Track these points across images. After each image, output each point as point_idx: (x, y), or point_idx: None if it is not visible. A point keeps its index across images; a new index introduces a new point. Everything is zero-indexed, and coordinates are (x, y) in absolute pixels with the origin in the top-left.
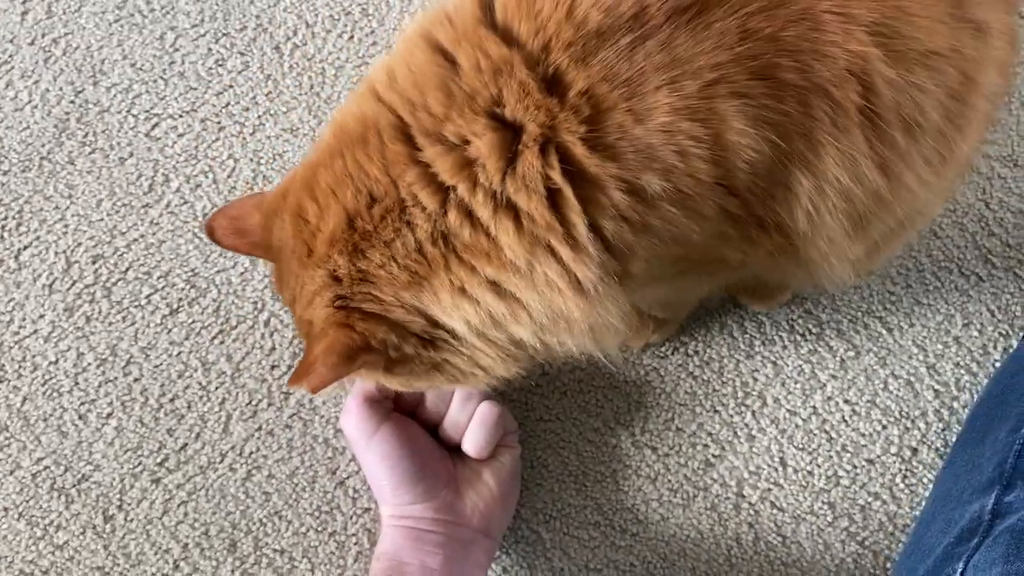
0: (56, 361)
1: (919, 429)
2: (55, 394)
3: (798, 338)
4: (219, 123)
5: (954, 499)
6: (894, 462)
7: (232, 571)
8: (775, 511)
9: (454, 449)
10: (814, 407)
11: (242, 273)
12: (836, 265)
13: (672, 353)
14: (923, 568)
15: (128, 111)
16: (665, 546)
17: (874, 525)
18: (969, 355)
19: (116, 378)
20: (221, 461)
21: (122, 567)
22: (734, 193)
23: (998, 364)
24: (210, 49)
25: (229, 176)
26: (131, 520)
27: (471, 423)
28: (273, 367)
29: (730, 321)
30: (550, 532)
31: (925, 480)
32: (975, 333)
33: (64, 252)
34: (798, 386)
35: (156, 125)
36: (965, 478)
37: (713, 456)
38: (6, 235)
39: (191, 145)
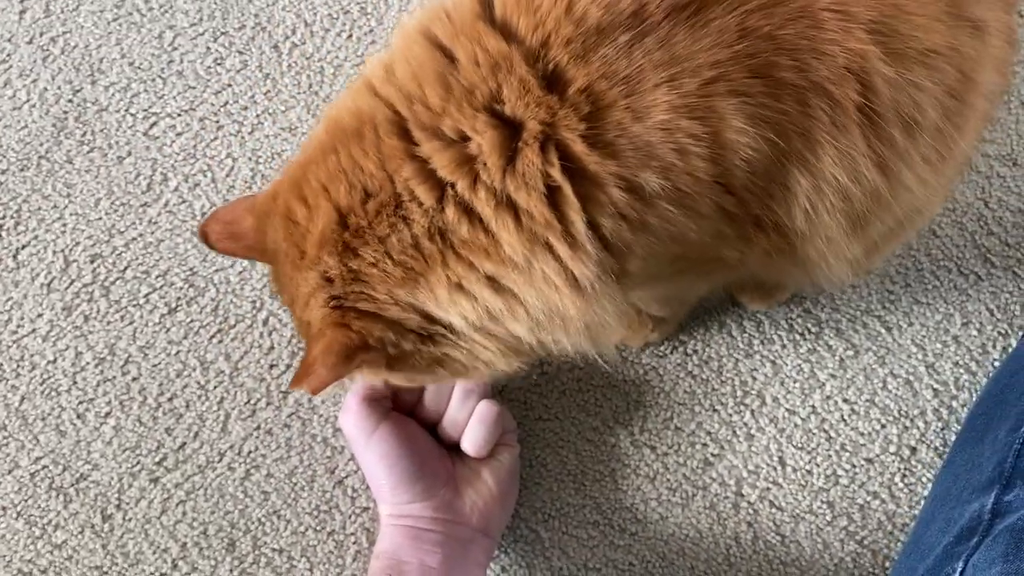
0: (54, 360)
1: (918, 428)
2: (53, 393)
3: (797, 337)
4: (217, 122)
5: (953, 498)
6: (893, 461)
7: (231, 570)
8: (774, 510)
9: (453, 448)
10: (813, 406)
11: (240, 272)
12: (834, 264)
13: (671, 352)
14: (922, 567)
15: (126, 110)
16: (664, 545)
17: (873, 524)
18: (968, 354)
19: (114, 377)
20: (220, 460)
21: (120, 566)
22: (732, 192)
23: (997, 363)
24: (208, 48)
25: (228, 175)
26: (129, 519)
27: (470, 422)
28: (272, 366)
29: (729, 320)
30: (549, 531)
31: (924, 479)
32: (974, 332)
33: (62, 251)
34: (797, 385)
35: (154, 124)
36: (965, 477)
37: (712, 455)
38: (4, 234)
39: (189, 144)
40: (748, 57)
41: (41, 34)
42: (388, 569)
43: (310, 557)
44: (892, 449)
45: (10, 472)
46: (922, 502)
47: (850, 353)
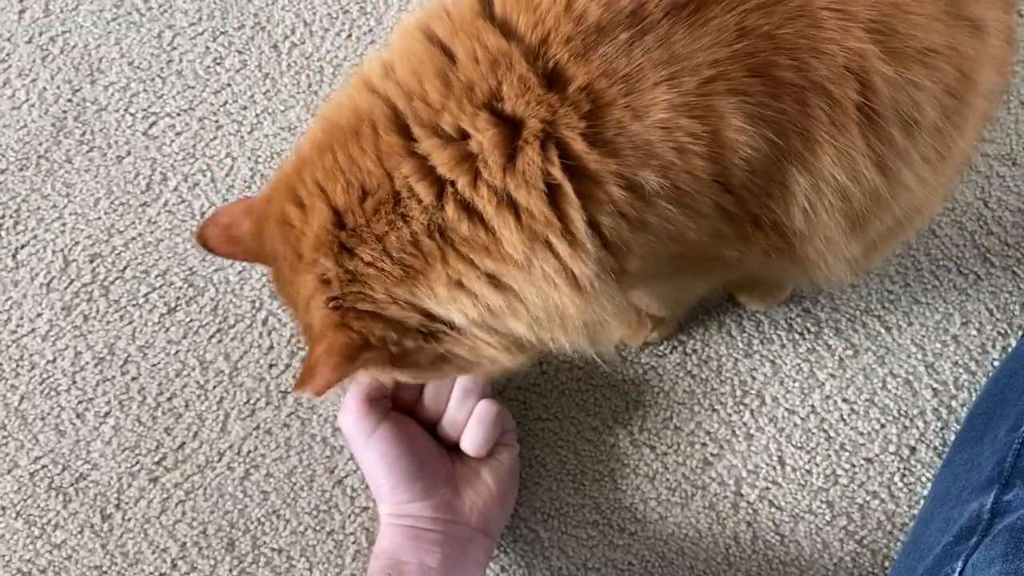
0: (54, 360)
1: (917, 428)
2: (53, 393)
3: (796, 337)
4: (217, 121)
5: (953, 498)
6: (892, 461)
7: (230, 570)
8: (773, 510)
9: (452, 447)
10: (812, 406)
11: (240, 272)
12: (833, 264)
13: (670, 352)
14: (922, 567)
15: (126, 109)
16: (663, 545)
17: (872, 524)
18: (968, 354)
19: (114, 377)
20: (219, 460)
21: (120, 566)
22: (731, 191)
23: (997, 363)
24: (208, 47)
25: (227, 175)
26: (129, 519)
27: (469, 421)
28: (271, 366)
29: (728, 320)
30: (548, 531)
31: (924, 479)
32: (974, 332)
33: (62, 251)
34: (796, 385)
35: (154, 124)
36: (964, 477)
37: (711, 455)
38: (3, 234)
39: (189, 144)
40: (747, 56)
41: (40, 33)
42: (388, 569)
43: (309, 557)
44: (891, 449)
45: (9, 472)
46: (921, 502)
47: (849, 353)
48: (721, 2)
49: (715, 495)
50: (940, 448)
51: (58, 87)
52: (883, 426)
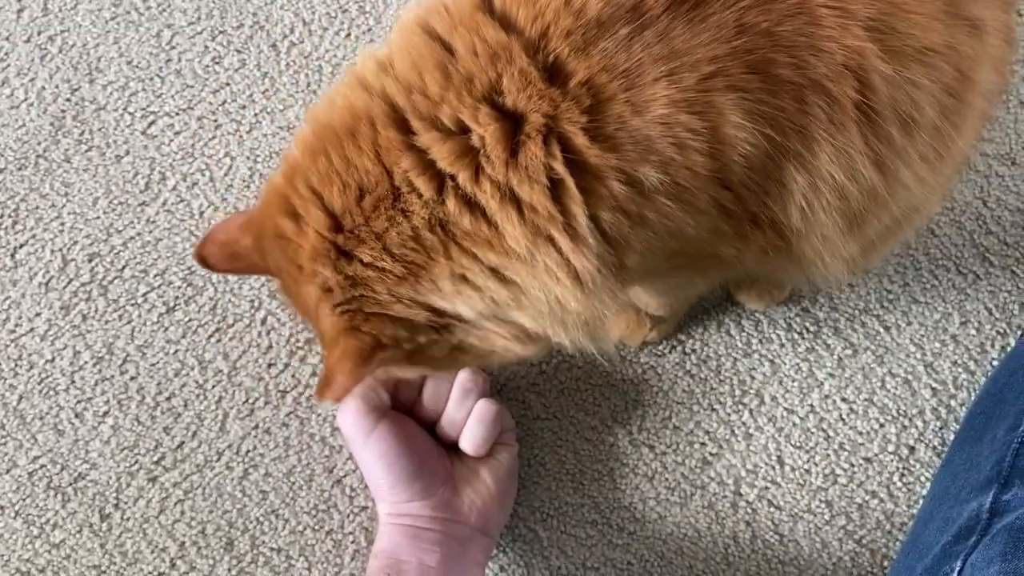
0: (52, 359)
1: (917, 427)
2: (51, 392)
3: (795, 336)
4: (216, 121)
5: (952, 497)
6: (891, 460)
7: (229, 570)
8: (772, 509)
9: (451, 447)
10: (812, 405)
11: None
12: (830, 263)
13: (669, 351)
14: (921, 566)
15: (124, 109)
16: (662, 544)
17: (871, 523)
18: (967, 353)
19: (112, 376)
20: (218, 459)
21: (119, 566)
22: (729, 187)
23: (996, 362)
24: (207, 47)
25: (226, 174)
26: (128, 519)
27: (468, 420)
28: (270, 365)
29: (727, 320)
30: (547, 530)
31: (923, 478)
32: (973, 331)
33: (60, 250)
34: (795, 384)
35: (153, 123)
36: (963, 476)
37: (710, 454)
38: (2, 233)
39: (188, 143)
40: (746, 53)
41: (39, 33)
42: (387, 568)
43: (308, 556)
44: (891, 448)
45: (8, 471)
46: (920, 501)
47: (848, 352)
48: None
49: (714, 494)
50: (939, 448)
51: (56, 86)
52: (882, 425)
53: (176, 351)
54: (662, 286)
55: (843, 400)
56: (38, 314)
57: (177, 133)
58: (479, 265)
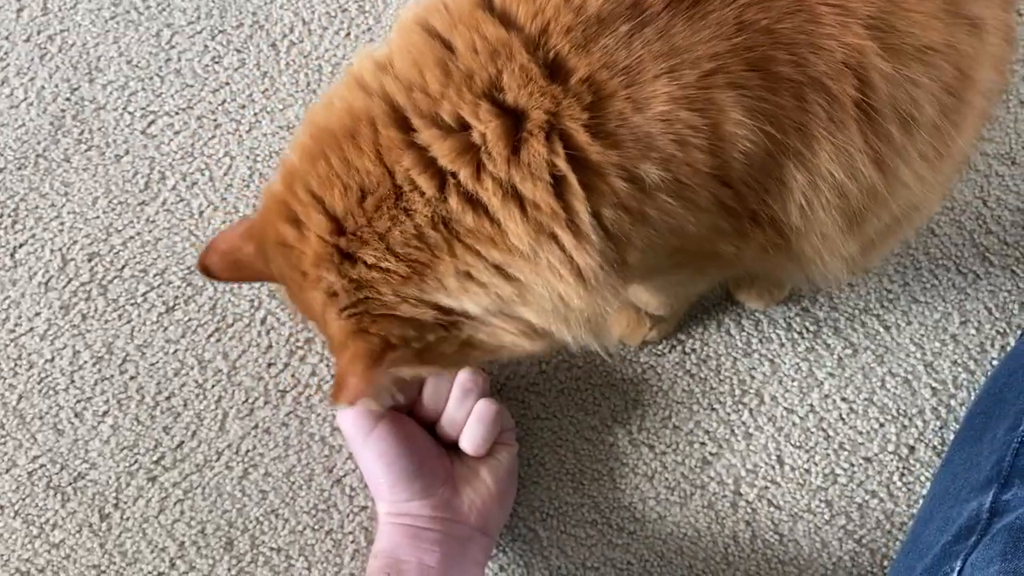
0: (52, 359)
1: (916, 427)
2: (51, 392)
3: (795, 336)
4: (215, 120)
5: (952, 497)
6: (891, 460)
7: (228, 569)
8: (772, 509)
9: (451, 446)
10: (811, 405)
11: None
12: (829, 261)
13: (669, 351)
14: (921, 566)
15: (124, 108)
16: (662, 544)
17: (871, 523)
18: (967, 353)
19: (112, 376)
20: (217, 459)
21: (118, 565)
22: (729, 185)
23: (996, 362)
24: (206, 46)
25: (225, 174)
26: (127, 518)
27: (468, 420)
28: (269, 365)
29: (727, 319)
30: (547, 530)
31: (923, 478)
32: (973, 331)
33: (60, 250)
34: (795, 384)
35: (152, 122)
36: (963, 476)
37: (710, 454)
38: (2, 233)
39: (187, 142)
40: (746, 50)
41: (39, 32)
42: (386, 568)
43: (308, 556)
44: (890, 448)
45: (8, 471)
46: (920, 501)
47: (848, 352)
48: None
49: (714, 494)
50: (939, 447)
51: (56, 86)
52: (882, 425)
53: (176, 351)
54: (662, 284)
55: (843, 400)
56: (38, 314)
57: (177, 132)
58: (483, 262)
